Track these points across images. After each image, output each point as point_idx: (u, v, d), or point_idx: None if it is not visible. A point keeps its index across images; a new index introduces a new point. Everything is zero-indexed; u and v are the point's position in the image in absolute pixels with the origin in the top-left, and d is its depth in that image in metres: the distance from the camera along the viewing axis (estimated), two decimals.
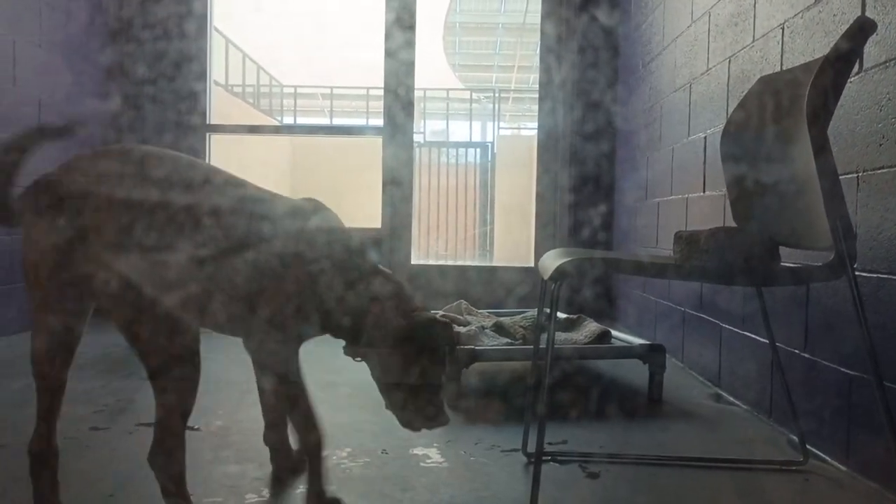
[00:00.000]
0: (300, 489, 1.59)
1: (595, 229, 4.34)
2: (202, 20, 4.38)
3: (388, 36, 4.39)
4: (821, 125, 1.38)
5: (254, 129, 7.07)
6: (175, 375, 1.24)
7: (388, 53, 4.38)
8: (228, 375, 2.68)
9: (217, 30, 5.20)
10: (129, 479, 1.61)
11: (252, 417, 2.15)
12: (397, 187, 4.42)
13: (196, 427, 2.04)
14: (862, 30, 1.41)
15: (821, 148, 1.37)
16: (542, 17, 4.46)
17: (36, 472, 1.32)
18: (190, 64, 4.35)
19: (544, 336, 1.63)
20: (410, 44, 4.40)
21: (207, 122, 4.44)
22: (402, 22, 4.38)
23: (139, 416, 2.09)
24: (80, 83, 3.94)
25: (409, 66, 4.40)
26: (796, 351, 2.02)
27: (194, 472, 1.71)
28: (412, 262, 4.45)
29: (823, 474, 1.76)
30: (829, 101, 1.40)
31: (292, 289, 1.31)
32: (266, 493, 1.57)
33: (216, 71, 5.21)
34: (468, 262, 7.31)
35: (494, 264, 6.34)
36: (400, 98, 4.40)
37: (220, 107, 5.65)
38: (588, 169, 4.35)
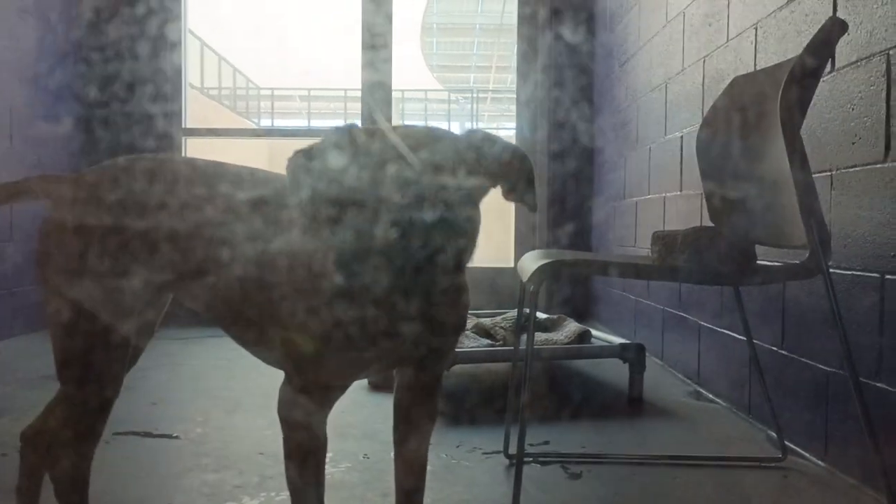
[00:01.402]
0: (281, 496, 1.57)
1: (574, 229, 4.35)
2: (177, 23, 4.34)
3: (364, 54, 4.37)
4: (794, 128, 1.40)
5: (231, 133, 7.02)
6: (81, 395, 1.20)
7: (365, 70, 4.38)
8: (207, 382, 2.66)
9: (192, 32, 5.15)
10: (105, 490, 1.59)
11: (232, 425, 2.13)
12: None
13: (175, 435, 2.02)
14: (832, 32, 1.42)
15: (794, 150, 1.39)
16: (518, 34, 4.48)
17: (22, 455, 1.29)
18: (165, 69, 4.29)
19: (524, 337, 1.64)
20: (387, 56, 4.39)
21: (183, 126, 4.39)
22: (377, 41, 4.36)
23: (115, 426, 2.07)
24: (38, 104, 3.87)
25: (385, 86, 4.40)
26: (774, 348, 2.04)
27: (173, 480, 1.69)
28: None
29: (802, 470, 1.78)
30: (801, 108, 1.41)
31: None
32: (245, 501, 1.56)
33: (191, 74, 5.16)
34: None
35: (474, 265, 6.35)
36: (377, 103, 4.39)
37: (195, 110, 5.60)
38: (566, 169, 4.36)
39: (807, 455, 1.85)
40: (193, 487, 1.63)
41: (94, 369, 1.18)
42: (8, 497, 1.33)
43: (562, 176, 4.36)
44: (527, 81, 4.44)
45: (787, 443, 1.85)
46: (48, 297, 1.17)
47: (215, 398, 2.44)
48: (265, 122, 11.74)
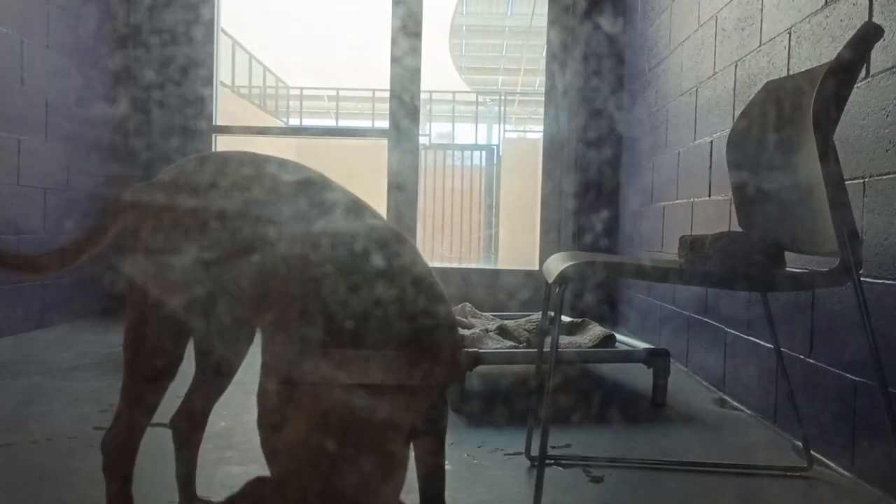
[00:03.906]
0: None
1: (600, 233, 4.34)
2: (209, 22, 4.40)
3: (394, 43, 4.40)
4: (826, 134, 1.38)
5: (260, 131, 7.09)
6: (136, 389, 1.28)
7: (394, 60, 4.40)
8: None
9: (224, 31, 5.21)
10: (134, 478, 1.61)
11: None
12: (402, 190, 4.43)
13: None
14: (867, 37, 1.40)
15: (826, 157, 1.37)
16: (548, 26, 4.47)
17: (106, 470, 1.32)
18: (197, 68, 4.37)
19: (548, 339, 1.64)
20: (416, 51, 4.41)
21: (214, 124, 4.45)
22: (407, 29, 4.39)
23: None
24: (89, 87, 3.98)
25: (415, 73, 4.41)
26: (801, 356, 2.02)
27: (198, 472, 1.71)
28: None
29: (827, 480, 1.76)
30: (834, 111, 1.40)
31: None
32: None
33: (223, 72, 5.22)
34: (473, 265, 7.31)
35: (499, 267, 6.34)
36: (405, 104, 4.41)
37: (226, 108, 5.67)
38: (593, 174, 4.35)
39: (833, 465, 1.83)
40: (218, 480, 1.65)
41: (154, 345, 1.26)
42: (37, 482, 1.36)
43: (590, 171, 4.35)
44: (559, 74, 4.42)
45: (813, 452, 1.83)
46: (127, 280, 1.22)
47: (240, 392, 2.46)
48: (293, 121, 11.83)
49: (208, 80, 4.40)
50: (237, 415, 2.18)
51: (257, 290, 1.19)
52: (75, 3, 3.83)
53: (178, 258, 1.19)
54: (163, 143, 4.34)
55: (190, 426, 1.47)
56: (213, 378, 1.43)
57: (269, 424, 1.16)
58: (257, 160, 1.26)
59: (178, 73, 4.36)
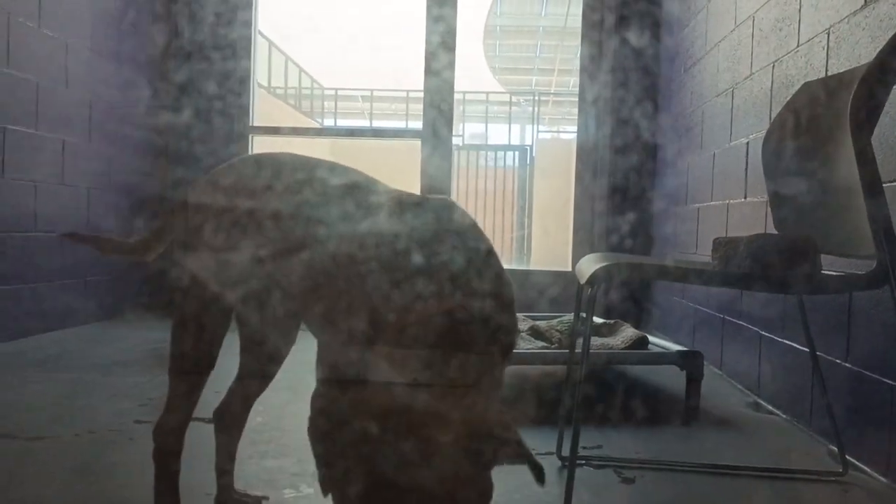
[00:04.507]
0: None
1: (633, 234, 4.31)
2: (247, 24, 4.47)
3: (429, 56, 4.42)
4: (864, 136, 1.37)
5: (295, 131, 7.17)
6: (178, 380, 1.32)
7: (429, 70, 4.42)
8: None
9: (261, 33, 5.29)
10: None
11: (292, 413, 2.19)
12: (436, 191, 4.45)
13: None
14: None
15: (864, 158, 1.36)
16: (581, 38, 4.46)
17: (157, 455, 1.37)
18: (247, 79, 4.48)
19: (580, 340, 1.64)
20: (451, 61, 4.43)
21: (251, 124, 4.52)
22: (444, 43, 4.41)
23: None
24: (157, 97, 4.23)
25: (449, 82, 4.44)
26: (837, 360, 1.99)
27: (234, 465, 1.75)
28: None
29: (863, 486, 1.74)
30: (872, 113, 1.38)
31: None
32: (303, 489, 1.60)
33: (259, 73, 5.29)
34: (505, 266, 7.29)
35: (531, 268, 6.33)
36: (440, 108, 4.44)
37: (262, 108, 5.75)
38: (626, 174, 4.33)
39: (869, 471, 1.80)
40: (253, 473, 1.68)
41: (206, 336, 1.31)
42: (82, 473, 1.41)
43: (623, 173, 4.33)
44: (592, 82, 4.41)
45: (848, 457, 1.81)
46: (186, 273, 1.28)
47: (276, 388, 2.50)
48: (328, 122, 11.93)
49: (247, 83, 4.49)
50: (273, 409, 2.22)
51: (307, 285, 1.22)
52: (144, 21, 4.11)
53: (235, 253, 1.23)
54: (223, 148, 4.43)
55: (232, 419, 1.51)
56: (261, 369, 1.47)
57: (322, 410, 1.16)
58: (309, 163, 1.29)
59: (237, 84, 4.47)
